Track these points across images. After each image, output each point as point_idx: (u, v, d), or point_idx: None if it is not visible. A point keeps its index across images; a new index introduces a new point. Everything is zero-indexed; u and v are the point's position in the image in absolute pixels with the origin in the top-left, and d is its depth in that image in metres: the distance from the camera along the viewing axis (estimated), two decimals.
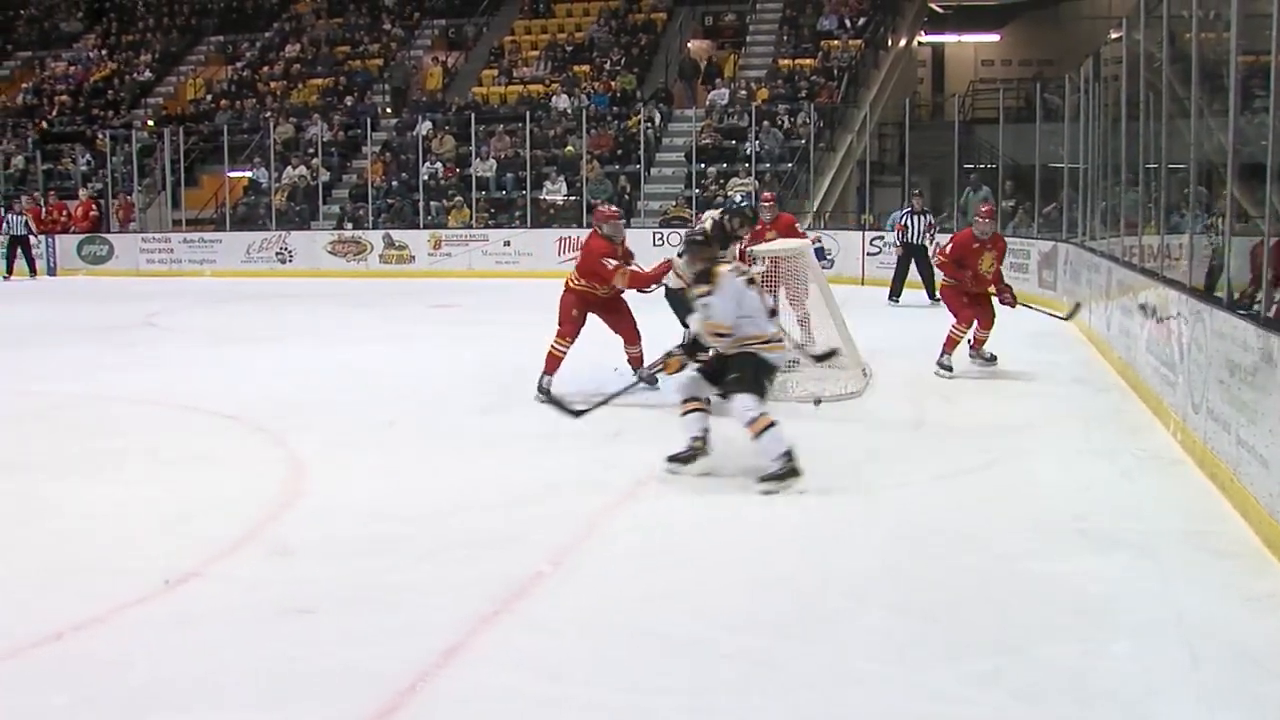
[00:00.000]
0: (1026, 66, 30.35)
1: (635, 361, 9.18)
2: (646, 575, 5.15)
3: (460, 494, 6.51)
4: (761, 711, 3.81)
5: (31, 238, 22.80)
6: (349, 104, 26.74)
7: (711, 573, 5.15)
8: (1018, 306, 10.52)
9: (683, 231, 20.44)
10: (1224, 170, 6.98)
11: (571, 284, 9.20)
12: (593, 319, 9.17)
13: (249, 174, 25.24)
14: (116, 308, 16.96)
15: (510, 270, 21.31)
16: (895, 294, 16.43)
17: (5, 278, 22.25)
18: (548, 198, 22.74)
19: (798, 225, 12.25)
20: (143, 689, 3.99)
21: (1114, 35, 12.41)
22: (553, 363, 9.03)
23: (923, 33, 29.75)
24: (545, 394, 8.69)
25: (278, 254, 22.99)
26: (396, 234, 22.67)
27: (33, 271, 22.55)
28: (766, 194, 12.86)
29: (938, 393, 9.38)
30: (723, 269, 6.79)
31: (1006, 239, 17.23)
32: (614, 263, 8.92)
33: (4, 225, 22.70)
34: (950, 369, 10.04)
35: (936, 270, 12.04)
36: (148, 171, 25.75)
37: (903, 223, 16.39)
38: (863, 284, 18.32)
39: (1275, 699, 3.91)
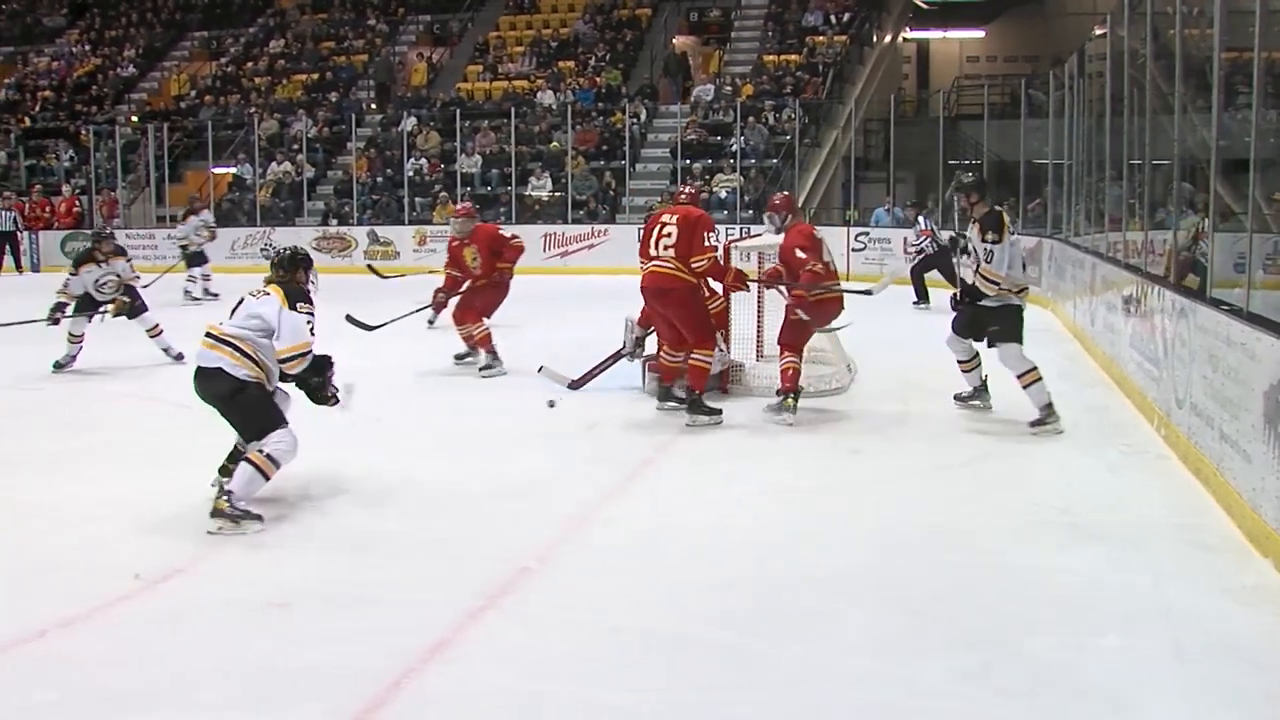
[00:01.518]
0: (1011, 63, 30.42)
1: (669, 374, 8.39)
2: (630, 572, 5.15)
3: (446, 490, 6.50)
4: (744, 707, 3.82)
5: (19, 234, 22.67)
6: (333, 100, 26.67)
7: (695, 569, 5.15)
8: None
9: None
10: (1207, 166, 7.00)
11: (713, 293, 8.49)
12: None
13: (233, 170, 25.13)
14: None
15: None
16: (924, 297, 15.36)
17: None
18: (533, 193, 22.71)
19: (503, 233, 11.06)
20: (126, 687, 3.99)
21: (1098, 32, 12.45)
22: (704, 376, 8.13)
23: (908, 29, 29.79)
24: (714, 412, 8.05)
25: (262, 250, 22.88)
26: (381, 230, 22.61)
27: (19, 268, 22.34)
28: (461, 207, 11.58)
29: (923, 388, 9.37)
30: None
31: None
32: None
33: None
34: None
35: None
36: (132, 167, 25.63)
37: (929, 228, 15.66)
38: (848, 279, 18.29)
39: (1260, 691, 3.93)
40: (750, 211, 20.82)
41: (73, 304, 10.77)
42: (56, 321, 10.77)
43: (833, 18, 24.89)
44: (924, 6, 28.93)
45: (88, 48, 30.66)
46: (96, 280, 10.69)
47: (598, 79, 25.09)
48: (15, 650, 4.27)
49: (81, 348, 10.68)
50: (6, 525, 5.89)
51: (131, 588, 4.85)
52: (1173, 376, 7.09)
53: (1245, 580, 4.92)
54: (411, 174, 23.50)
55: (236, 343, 5.85)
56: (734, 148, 22.11)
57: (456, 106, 24.69)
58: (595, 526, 5.87)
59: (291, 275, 6.05)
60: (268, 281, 6.06)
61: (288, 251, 6.21)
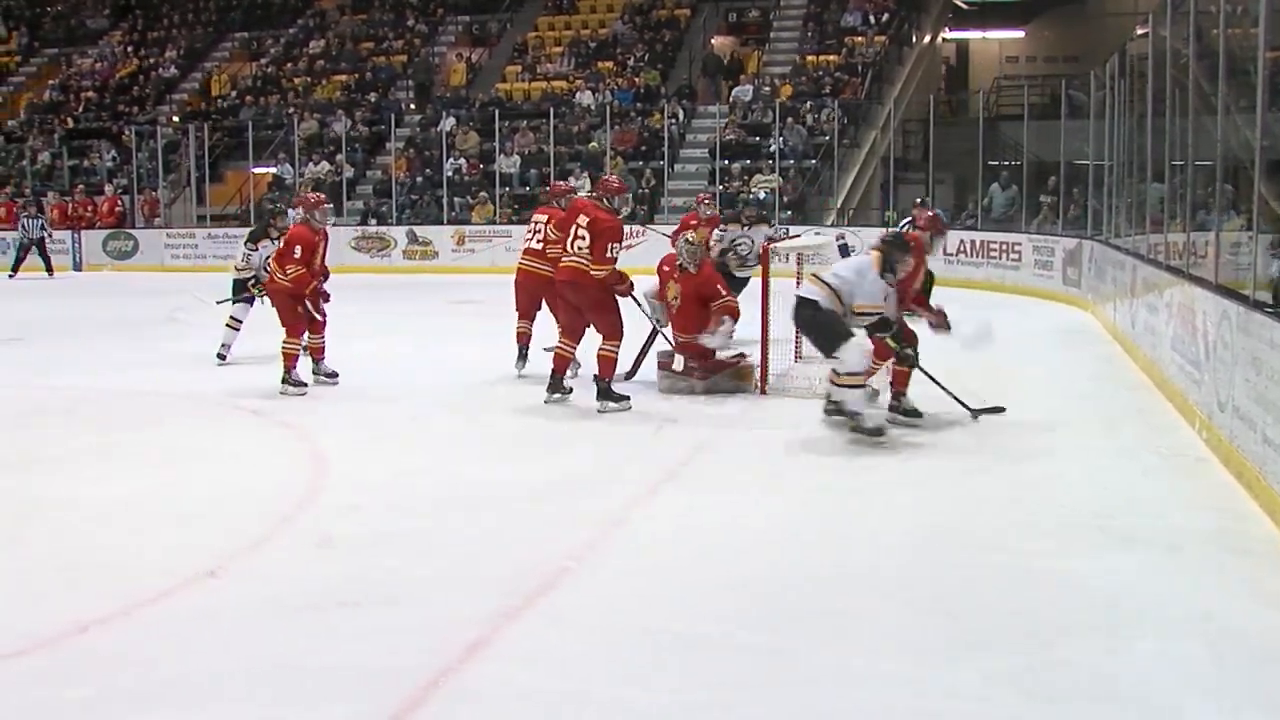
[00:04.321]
0: (1051, 63, 30.19)
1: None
2: (665, 572, 5.14)
3: (483, 489, 6.51)
4: (776, 708, 3.80)
5: (47, 238, 22.66)
6: (373, 100, 26.80)
7: (732, 569, 5.13)
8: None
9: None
10: (1250, 167, 6.93)
11: None
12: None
13: (273, 170, 25.29)
14: (141, 303, 17.03)
15: None
16: None
17: (11, 275, 21.98)
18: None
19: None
20: (165, 683, 4.01)
21: (1140, 31, 12.34)
22: (611, 366, 8.61)
23: (947, 29, 29.63)
24: (622, 398, 8.45)
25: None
26: (420, 230, 22.69)
27: (49, 271, 22.23)
28: (703, 194, 14.54)
29: (959, 392, 9.32)
30: None
31: (1031, 236, 17.29)
32: None
33: (20, 227, 22.48)
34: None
35: None
36: (173, 167, 25.85)
37: None
38: None
39: None
40: (789, 212, 20.76)
41: (252, 278, 10.93)
42: (251, 300, 10.90)
43: (872, 18, 24.82)
44: (963, 6, 28.78)
45: (130, 49, 30.94)
46: (268, 256, 10.98)
47: (636, 79, 25.12)
48: (49, 648, 4.30)
49: (238, 334, 10.83)
50: (38, 522, 5.95)
51: (164, 586, 4.88)
52: (1215, 379, 7.03)
53: None
54: (450, 174, 23.58)
55: (832, 285, 7.35)
56: (773, 148, 22.08)
57: (495, 107, 24.76)
58: (633, 526, 5.86)
59: (891, 250, 7.47)
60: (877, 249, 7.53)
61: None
